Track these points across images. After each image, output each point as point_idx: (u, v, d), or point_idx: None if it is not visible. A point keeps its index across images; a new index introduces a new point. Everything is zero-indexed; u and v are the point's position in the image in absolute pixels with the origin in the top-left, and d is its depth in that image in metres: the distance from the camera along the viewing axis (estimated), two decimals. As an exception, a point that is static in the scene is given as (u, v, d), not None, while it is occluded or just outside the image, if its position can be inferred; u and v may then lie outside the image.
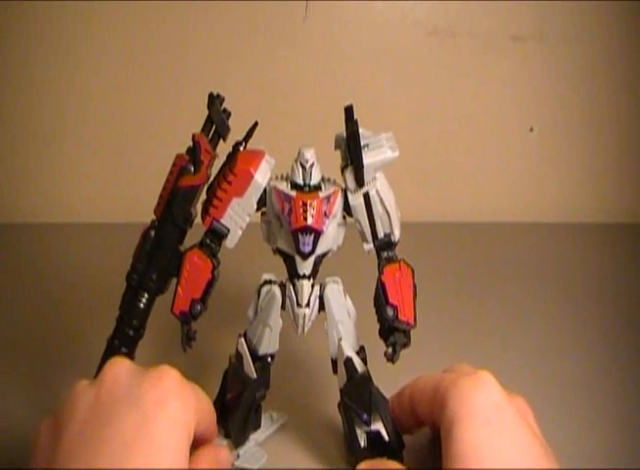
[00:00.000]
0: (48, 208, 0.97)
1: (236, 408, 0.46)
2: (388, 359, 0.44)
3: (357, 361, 0.45)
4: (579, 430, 0.51)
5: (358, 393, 0.45)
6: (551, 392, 0.57)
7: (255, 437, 0.49)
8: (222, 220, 0.43)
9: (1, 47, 0.91)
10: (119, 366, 0.37)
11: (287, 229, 0.43)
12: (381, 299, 0.44)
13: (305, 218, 0.42)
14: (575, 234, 0.98)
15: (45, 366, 0.58)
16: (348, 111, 0.41)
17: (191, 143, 0.43)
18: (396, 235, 0.45)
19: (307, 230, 0.42)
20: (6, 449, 0.47)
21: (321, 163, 0.44)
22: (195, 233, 0.45)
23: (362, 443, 0.45)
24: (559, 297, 0.76)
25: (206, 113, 0.44)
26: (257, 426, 0.49)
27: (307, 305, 0.45)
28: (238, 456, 0.47)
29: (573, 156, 1.02)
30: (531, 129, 1.00)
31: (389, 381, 0.46)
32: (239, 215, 0.43)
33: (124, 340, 0.46)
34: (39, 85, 0.93)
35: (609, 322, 0.70)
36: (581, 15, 0.95)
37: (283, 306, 0.45)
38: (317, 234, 0.42)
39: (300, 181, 0.43)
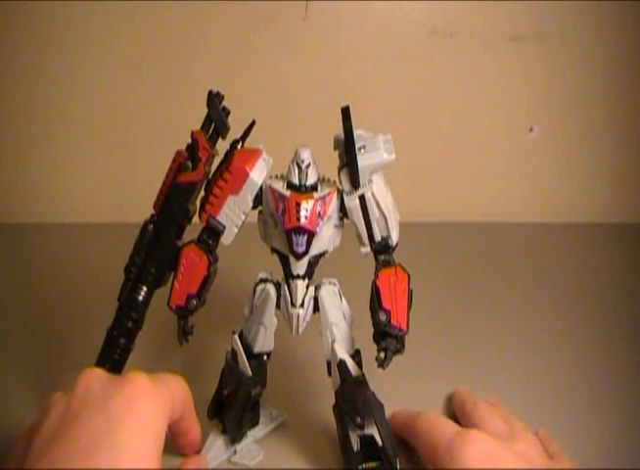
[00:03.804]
0: (48, 208, 0.98)
1: (232, 405, 0.47)
2: (378, 365, 0.44)
3: (351, 365, 0.45)
4: (577, 430, 0.51)
5: (352, 396, 0.45)
6: (550, 394, 0.57)
7: (254, 433, 0.49)
8: (218, 217, 0.44)
9: (2, 46, 0.92)
10: (91, 375, 0.38)
11: (281, 229, 0.43)
12: (374, 303, 0.44)
13: (298, 219, 0.42)
14: (575, 234, 0.97)
15: (46, 364, 0.58)
16: (345, 111, 0.41)
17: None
18: (394, 239, 0.45)
19: (300, 230, 0.42)
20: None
21: (322, 163, 0.44)
22: (195, 230, 0.45)
23: (355, 446, 0.44)
24: (558, 296, 0.76)
25: (207, 111, 0.44)
26: (255, 423, 0.50)
27: (302, 305, 0.45)
28: (235, 452, 0.48)
29: (573, 156, 1.02)
30: (531, 129, 1.00)
31: (386, 386, 0.46)
32: (234, 213, 0.44)
33: (123, 331, 0.46)
34: (39, 85, 0.94)
35: (609, 322, 0.70)
36: (581, 15, 0.95)
37: (278, 306, 0.46)
38: (310, 235, 0.42)
39: (296, 181, 0.43)
